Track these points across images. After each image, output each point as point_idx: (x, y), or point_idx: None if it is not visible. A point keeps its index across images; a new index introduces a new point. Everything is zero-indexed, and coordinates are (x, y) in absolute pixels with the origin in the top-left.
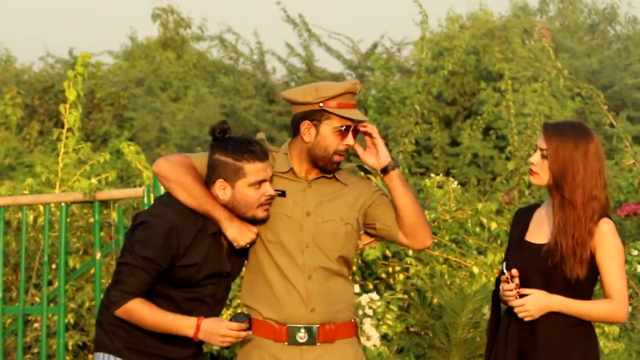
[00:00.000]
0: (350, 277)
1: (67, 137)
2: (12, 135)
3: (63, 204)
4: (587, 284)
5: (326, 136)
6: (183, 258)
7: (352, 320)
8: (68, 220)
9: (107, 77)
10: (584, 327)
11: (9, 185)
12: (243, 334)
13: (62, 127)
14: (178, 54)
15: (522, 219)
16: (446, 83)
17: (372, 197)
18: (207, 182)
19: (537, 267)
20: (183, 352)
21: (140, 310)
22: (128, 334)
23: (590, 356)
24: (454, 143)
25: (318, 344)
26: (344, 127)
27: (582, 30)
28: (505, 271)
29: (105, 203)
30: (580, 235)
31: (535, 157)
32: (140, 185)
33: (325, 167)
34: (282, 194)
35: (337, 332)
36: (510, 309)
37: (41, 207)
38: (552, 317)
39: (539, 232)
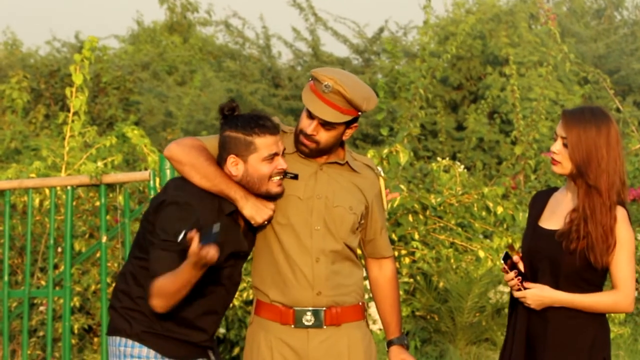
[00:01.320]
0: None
1: (73, 121)
2: (18, 118)
3: (69, 187)
4: (597, 271)
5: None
6: None
7: (360, 304)
8: (74, 203)
9: (113, 61)
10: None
11: (15, 168)
12: None
13: (68, 110)
14: (184, 38)
15: (539, 203)
16: (452, 67)
17: (372, 199)
18: (220, 161)
19: (547, 253)
20: (199, 336)
21: (165, 283)
22: (146, 317)
23: (599, 339)
24: (460, 127)
25: (325, 327)
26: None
27: (589, 15)
28: (503, 261)
29: (111, 186)
30: (608, 222)
31: (557, 146)
32: (146, 169)
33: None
34: (295, 177)
35: (344, 315)
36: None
37: (47, 191)
38: None
39: (553, 217)
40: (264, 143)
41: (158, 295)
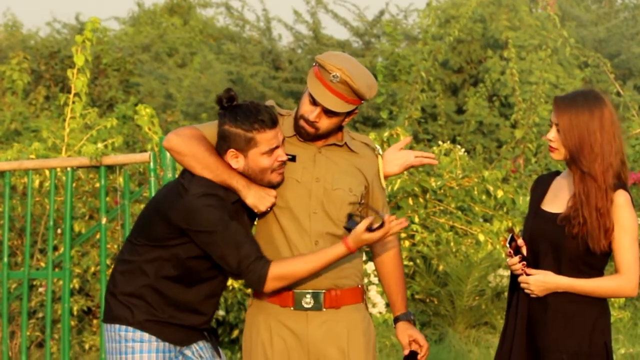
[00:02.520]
0: None
1: (74, 102)
2: (19, 100)
3: (69, 169)
4: (599, 256)
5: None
6: None
7: (359, 286)
8: (74, 185)
9: (114, 43)
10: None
11: (15, 149)
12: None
13: (69, 92)
14: (184, 20)
15: (541, 186)
16: (453, 51)
17: (372, 178)
18: (219, 150)
19: (549, 236)
20: (199, 319)
21: (290, 267)
22: (148, 304)
23: (600, 324)
24: (460, 111)
25: (324, 309)
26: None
27: None
28: (508, 245)
29: (111, 168)
30: (603, 205)
31: (552, 133)
32: (152, 149)
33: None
34: (293, 158)
35: (343, 298)
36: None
37: (47, 172)
38: None
39: (555, 201)
40: (264, 138)
41: (284, 278)
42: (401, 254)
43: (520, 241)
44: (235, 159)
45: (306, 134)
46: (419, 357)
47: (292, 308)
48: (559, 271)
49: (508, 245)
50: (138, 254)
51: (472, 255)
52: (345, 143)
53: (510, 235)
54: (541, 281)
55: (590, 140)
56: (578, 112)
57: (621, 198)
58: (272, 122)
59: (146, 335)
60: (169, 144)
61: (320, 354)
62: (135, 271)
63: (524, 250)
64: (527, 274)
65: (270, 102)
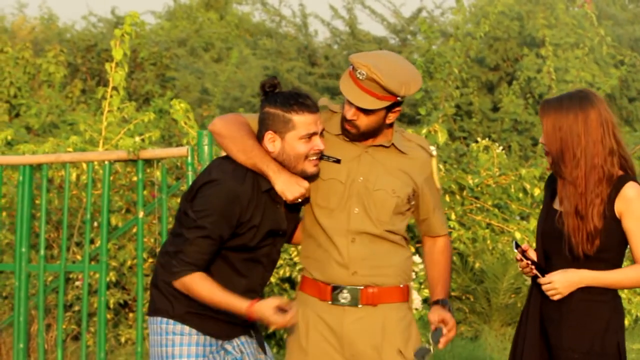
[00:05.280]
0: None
1: (111, 96)
2: (55, 92)
3: (106, 162)
4: (614, 250)
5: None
6: (244, 223)
7: (401, 285)
8: (111, 178)
9: (150, 37)
10: (607, 292)
11: (53, 142)
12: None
13: (105, 85)
14: (220, 15)
15: (553, 185)
16: (489, 48)
17: (422, 181)
18: (259, 137)
19: (560, 233)
20: (240, 316)
21: (199, 287)
22: (188, 298)
23: (613, 323)
24: (495, 109)
25: (360, 305)
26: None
27: None
28: (515, 249)
29: (148, 162)
30: (583, 209)
31: (543, 137)
32: (187, 144)
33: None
34: (337, 161)
35: (381, 296)
36: (534, 277)
37: (84, 165)
38: None
39: None
40: (302, 121)
41: (187, 290)
42: (451, 248)
43: (525, 245)
44: (272, 142)
45: (349, 134)
46: (444, 331)
47: (329, 302)
48: (574, 268)
49: (516, 250)
50: (177, 245)
51: (509, 252)
52: (393, 144)
53: (514, 241)
54: (564, 278)
55: (572, 144)
56: (562, 115)
57: (631, 191)
58: (313, 106)
59: (187, 328)
60: (213, 127)
61: (353, 349)
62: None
63: (531, 254)
64: (540, 276)
65: (323, 101)
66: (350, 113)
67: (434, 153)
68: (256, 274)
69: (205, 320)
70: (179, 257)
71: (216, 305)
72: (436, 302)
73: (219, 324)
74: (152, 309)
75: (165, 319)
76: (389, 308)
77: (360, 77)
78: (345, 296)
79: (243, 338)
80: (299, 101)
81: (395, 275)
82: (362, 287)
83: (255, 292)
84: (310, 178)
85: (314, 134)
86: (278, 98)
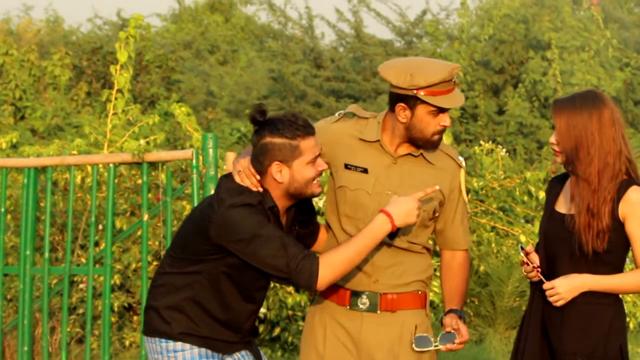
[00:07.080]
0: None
1: (116, 99)
2: (60, 95)
3: (111, 165)
4: (616, 254)
5: (422, 118)
6: None
7: (420, 292)
8: (116, 181)
9: (155, 40)
10: (609, 295)
11: (57, 145)
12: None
13: (111, 88)
14: (226, 17)
15: (555, 188)
16: (495, 51)
17: (449, 192)
18: (259, 170)
19: (563, 237)
20: (237, 336)
21: (336, 258)
22: (188, 319)
23: (615, 326)
24: (501, 112)
25: (379, 311)
26: (437, 110)
27: (632, 1)
28: (520, 252)
29: (153, 165)
30: (595, 206)
31: (554, 137)
32: (191, 147)
33: (425, 146)
34: (365, 170)
35: (400, 302)
36: (538, 282)
37: (89, 168)
38: None
39: (567, 202)
40: (307, 146)
41: (335, 272)
42: (469, 262)
43: (529, 247)
44: (280, 173)
45: (438, 143)
46: (455, 340)
47: (348, 307)
48: (577, 272)
49: (521, 254)
50: (179, 267)
51: (514, 256)
52: (422, 154)
53: (520, 244)
54: (567, 283)
55: (587, 142)
56: (575, 113)
57: (635, 195)
58: (311, 128)
59: (187, 345)
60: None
61: (370, 355)
62: (176, 284)
63: (534, 258)
64: (544, 281)
65: (352, 107)
66: (448, 120)
67: (463, 164)
68: (263, 294)
69: (204, 340)
70: (293, 264)
71: (367, 250)
72: (454, 311)
73: (216, 343)
74: (148, 329)
75: (164, 339)
76: (408, 314)
77: (457, 81)
78: (364, 302)
79: (243, 351)
80: (300, 125)
81: (414, 283)
82: (381, 293)
83: (259, 309)
84: (317, 196)
85: (318, 155)
86: (278, 126)
